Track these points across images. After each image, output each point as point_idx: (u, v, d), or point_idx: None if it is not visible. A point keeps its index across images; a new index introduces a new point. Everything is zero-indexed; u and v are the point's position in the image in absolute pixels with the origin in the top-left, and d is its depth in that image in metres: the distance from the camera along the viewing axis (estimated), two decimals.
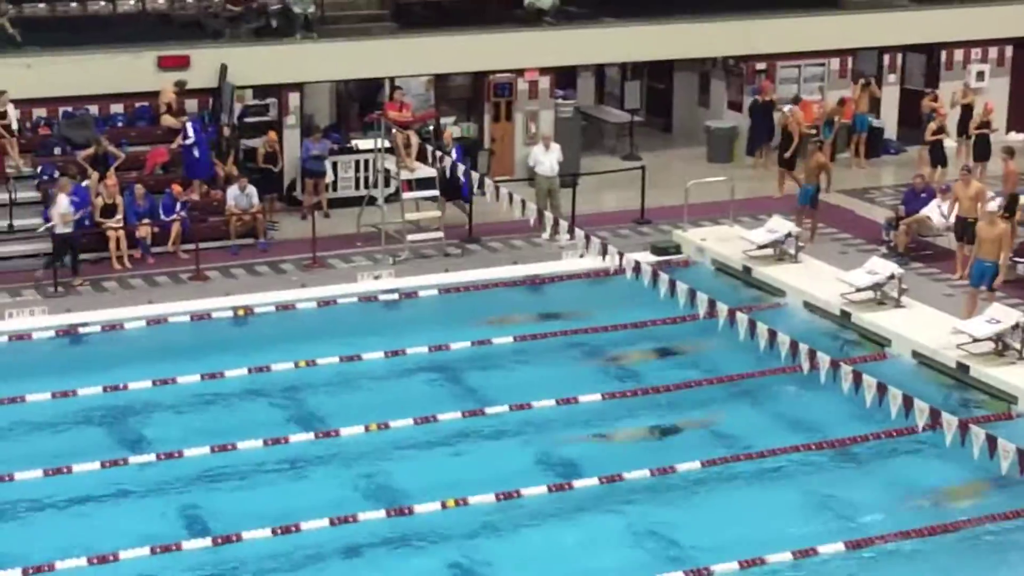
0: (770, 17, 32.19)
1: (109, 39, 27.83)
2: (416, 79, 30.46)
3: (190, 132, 26.59)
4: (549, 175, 27.73)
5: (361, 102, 31.31)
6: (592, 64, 33.84)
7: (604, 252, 22.25)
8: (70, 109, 27.39)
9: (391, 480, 18.43)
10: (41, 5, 28.61)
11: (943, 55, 33.74)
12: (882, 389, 18.34)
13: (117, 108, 27.79)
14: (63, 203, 24.35)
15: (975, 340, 21.21)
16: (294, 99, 28.90)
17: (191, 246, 25.29)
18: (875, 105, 32.72)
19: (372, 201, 27.10)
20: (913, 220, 26.35)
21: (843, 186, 29.45)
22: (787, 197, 28.54)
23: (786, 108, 30.74)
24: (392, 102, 27.75)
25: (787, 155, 29.74)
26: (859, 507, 17.91)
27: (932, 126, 30.44)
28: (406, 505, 17.55)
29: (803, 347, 19.42)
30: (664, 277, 21.45)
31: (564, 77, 32.00)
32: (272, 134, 28.11)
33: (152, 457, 18.68)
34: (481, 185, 24.68)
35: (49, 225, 24.50)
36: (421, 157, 26.84)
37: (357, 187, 28.74)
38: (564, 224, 23.26)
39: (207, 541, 16.77)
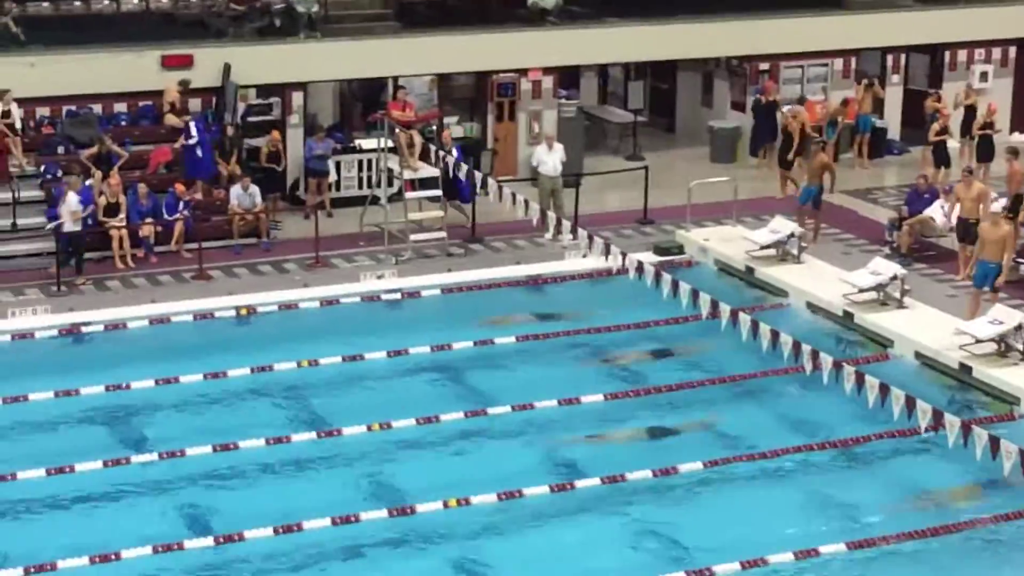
0: (773, 17, 32.18)
1: (113, 38, 27.85)
2: (419, 79, 30.46)
3: (193, 132, 26.60)
4: (552, 175, 27.73)
5: (364, 102, 31.34)
6: (595, 64, 33.84)
7: (607, 252, 22.25)
8: (74, 108, 27.40)
9: (393, 480, 18.44)
10: (45, 4, 28.64)
11: (947, 56, 33.72)
12: (884, 390, 18.34)
13: (121, 107, 27.80)
14: (73, 201, 24.37)
15: (978, 341, 21.21)
16: (297, 98, 28.90)
17: (194, 245, 25.31)
18: (878, 106, 32.70)
19: (375, 201, 27.10)
20: (916, 221, 26.33)
21: (846, 187, 29.44)
22: (790, 198, 28.52)
23: (786, 108, 30.74)
24: (395, 102, 27.75)
25: (787, 156, 29.76)
26: (861, 508, 17.90)
27: (935, 127, 30.44)
28: (408, 505, 17.56)
29: (806, 348, 19.42)
30: (667, 277, 21.45)
31: (567, 77, 32.00)
32: (275, 133, 28.13)
33: (154, 456, 18.70)
34: (484, 185, 24.69)
35: (56, 223, 24.50)
36: (424, 157, 26.85)
37: (360, 187, 28.74)
38: (567, 224, 23.25)
39: (209, 540, 16.79)
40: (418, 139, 27.11)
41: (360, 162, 28.96)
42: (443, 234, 26.45)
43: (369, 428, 19.41)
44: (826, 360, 19.10)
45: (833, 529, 17.42)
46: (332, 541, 16.91)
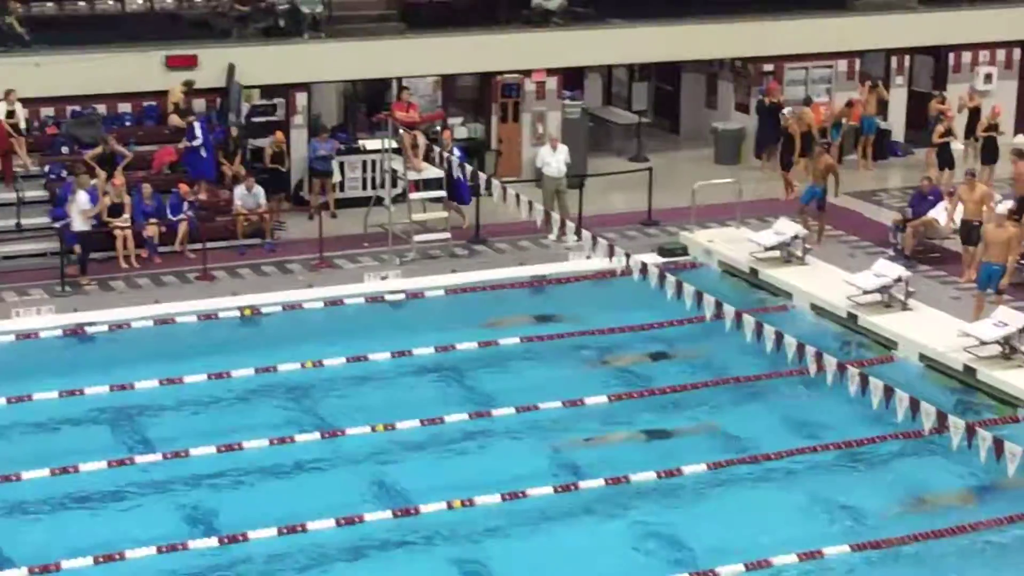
0: (778, 19, 32.18)
1: (117, 38, 27.84)
2: (423, 79, 30.48)
3: (197, 133, 26.61)
4: (556, 176, 27.72)
5: (368, 102, 31.34)
6: (599, 65, 33.83)
7: (611, 253, 22.26)
8: (78, 108, 27.43)
9: (397, 480, 18.44)
10: (49, 4, 28.62)
11: (951, 57, 33.70)
12: (889, 392, 18.33)
13: (125, 107, 27.83)
14: (83, 199, 24.40)
15: (982, 343, 21.19)
16: (301, 99, 28.92)
17: (198, 246, 25.31)
18: (883, 107, 32.69)
19: (379, 201, 27.10)
20: (920, 223, 26.32)
21: (850, 188, 29.42)
22: (794, 199, 28.48)
23: (786, 111, 30.71)
24: (399, 102, 27.76)
25: (790, 158, 29.76)
26: (865, 509, 17.90)
27: (940, 128, 30.41)
28: (412, 505, 17.56)
29: (810, 349, 19.41)
30: (671, 279, 21.45)
31: (571, 78, 32.00)
32: (279, 134, 28.13)
33: (158, 457, 18.69)
34: (488, 186, 24.68)
35: (65, 222, 24.52)
36: (428, 158, 26.86)
37: (364, 187, 28.75)
38: (571, 225, 23.25)
39: (213, 541, 16.79)
40: (422, 140, 27.12)
41: (364, 163, 28.97)
42: (447, 235, 26.45)
43: (373, 429, 19.40)
44: (830, 362, 19.10)
45: (837, 531, 17.43)
46: (336, 542, 16.92)
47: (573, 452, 19.26)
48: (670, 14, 31.53)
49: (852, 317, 22.98)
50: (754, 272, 25.03)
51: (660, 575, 16.35)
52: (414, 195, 26.82)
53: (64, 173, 25.92)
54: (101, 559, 16.24)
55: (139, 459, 18.64)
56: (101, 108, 27.60)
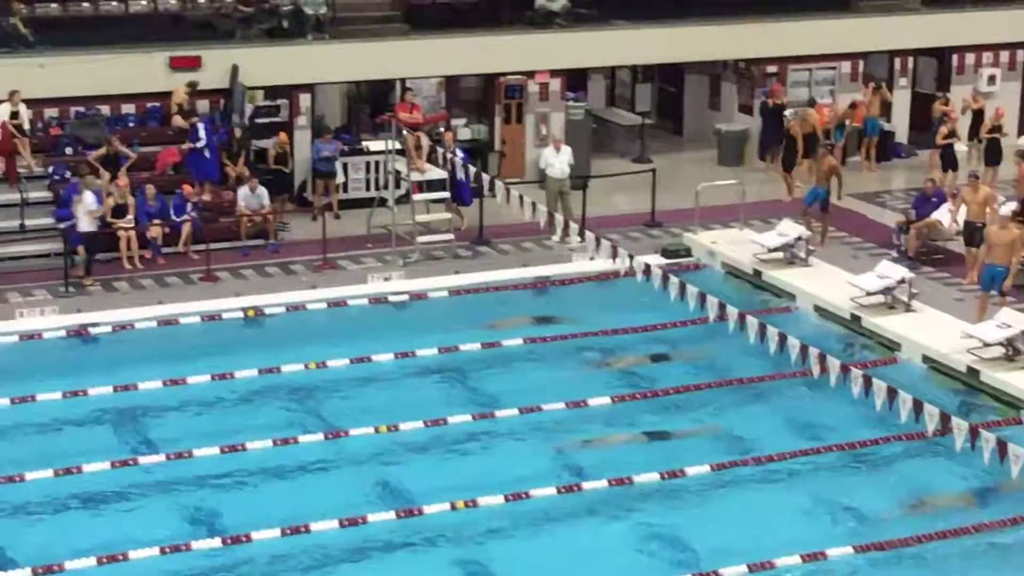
0: (781, 20, 32.17)
1: (121, 39, 27.84)
2: (427, 81, 30.50)
3: (201, 134, 26.61)
4: (560, 177, 27.71)
5: (372, 104, 31.35)
6: (603, 66, 33.84)
7: (614, 255, 22.26)
8: (82, 109, 27.44)
9: (400, 481, 18.45)
10: (53, 5, 28.61)
11: (955, 59, 33.70)
12: (892, 393, 18.33)
13: (128, 108, 27.83)
14: (90, 200, 24.42)
15: (985, 345, 21.19)
16: (305, 100, 28.93)
17: (202, 247, 25.32)
18: (886, 109, 32.69)
19: (383, 202, 27.11)
20: (924, 224, 26.31)
21: (854, 190, 29.40)
22: (797, 201, 28.47)
23: (788, 113, 30.70)
24: (403, 103, 27.78)
25: (793, 160, 29.75)
26: (868, 511, 17.89)
27: (943, 130, 30.40)
28: (415, 506, 17.56)
29: (813, 351, 19.42)
30: (674, 280, 21.45)
31: (575, 79, 32.01)
32: (283, 135, 28.14)
33: (162, 457, 18.71)
34: (492, 187, 24.69)
35: (71, 223, 24.54)
36: (432, 159, 26.87)
37: (368, 188, 28.75)
38: (574, 226, 23.25)
39: (217, 542, 16.79)
40: (425, 141, 27.13)
41: (368, 164, 28.97)
42: (451, 236, 26.46)
43: (376, 430, 19.40)
44: (833, 363, 19.10)
45: (840, 532, 17.42)
46: (339, 543, 16.93)
47: (576, 453, 19.27)
48: (673, 15, 31.52)
49: (855, 318, 22.98)
50: (757, 273, 25.03)
51: None
52: (417, 196, 26.83)
53: (68, 174, 25.93)
54: (105, 560, 16.24)
55: (143, 460, 18.66)
56: (105, 109, 27.62)
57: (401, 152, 27.00)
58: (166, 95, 27.64)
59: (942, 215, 26.30)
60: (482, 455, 19.23)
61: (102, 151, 26.22)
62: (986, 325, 21.59)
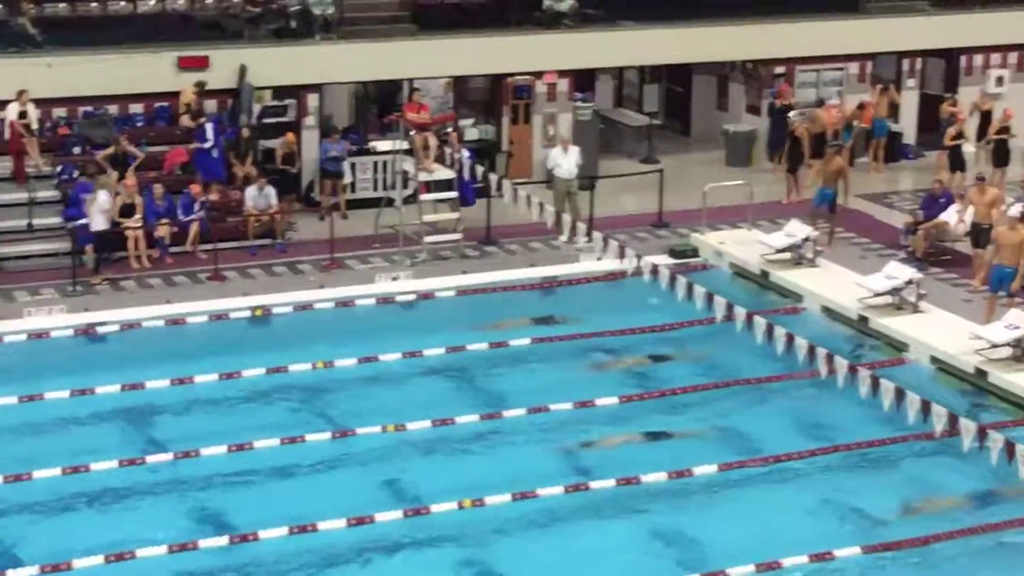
0: (789, 21, 32.15)
1: (129, 39, 27.87)
2: (435, 81, 30.49)
3: (209, 135, 26.63)
4: (567, 178, 27.71)
5: (380, 104, 31.37)
6: (611, 67, 33.83)
7: (622, 255, 22.25)
8: (90, 109, 27.46)
9: (407, 480, 18.45)
10: (61, 5, 28.64)
11: (963, 60, 33.66)
12: (900, 394, 18.32)
13: (137, 108, 27.85)
14: (104, 199, 24.44)
15: (994, 346, 21.17)
16: (313, 100, 28.93)
17: (209, 246, 25.35)
18: (894, 110, 32.66)
19: (390, 202, 27.11)
20: (932, 225, 26.29)
21: (862, 191, 29.40)
22: (802, 202, 28.42)
23: (792, 114, 30.66)
24: (411, 104, 27.78)
25: (798, 162, 29.74)
26: (876, 511, 17.87)
27: (951, 131, 30.37)
28: (422, 505, 17.57)
29: (821, 351, 19.40)
30: (681, 280, 21.44)
31: (582, 80, 31.98)
32: (290, 135, 28.16)
33: (169, 456, 18.73)
34: (499, 187, 24.69)
35: (83, 221, 24.56)
36: (439, 159, 26.87)
37: (375, 188, 28.76)
38: (582, 227, 23.24)
39: (224, 540, 16.81)
40: (433, 141, 27.14)
41: (375, 164, 28.98)
42: (458, 236, 26.46)
43: (383, 429, 19.42)
44: (841, 364, 19.09)
45: (848, 532, 17.41)
46: (346, 542, 16.93)
47: (583, 453, 19.27)
48: (681, 16, 31.50)
49: (863, 319, 22.96)
50: (765, 274, 25.02)
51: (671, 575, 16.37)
52: (425, 196, 26.83)
53: (76, 174, 25.94)
54: (112, 558, 16.27)
55: (150, 459, 18.67)
56: (113, 109, 27.62)
57: (409, 152, 27.01)
58: (174, 95, 27.66)
59: (950, 216, 26.28)
60: (489, 455, 19.23)
61: (110, 151, 26.26)
62: (994, 326, 21.57)
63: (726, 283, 24.74)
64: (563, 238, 24.18)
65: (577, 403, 20.19)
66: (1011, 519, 17.61)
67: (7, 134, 26.16)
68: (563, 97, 30.75)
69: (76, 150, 26.73)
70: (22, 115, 26.16)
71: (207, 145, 26.67)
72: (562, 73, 30.66)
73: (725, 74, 33.50)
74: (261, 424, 19.63)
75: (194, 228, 25.77)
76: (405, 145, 26.96)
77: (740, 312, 20.60)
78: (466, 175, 26.24)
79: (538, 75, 30.49)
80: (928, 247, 26.11)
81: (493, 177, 25.39)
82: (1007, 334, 21.15)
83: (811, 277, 24.55)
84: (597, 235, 22.66)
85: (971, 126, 31.42)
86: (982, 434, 17.57)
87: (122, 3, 28.98)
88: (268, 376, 21.06)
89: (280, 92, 28.90)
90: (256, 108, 28.33)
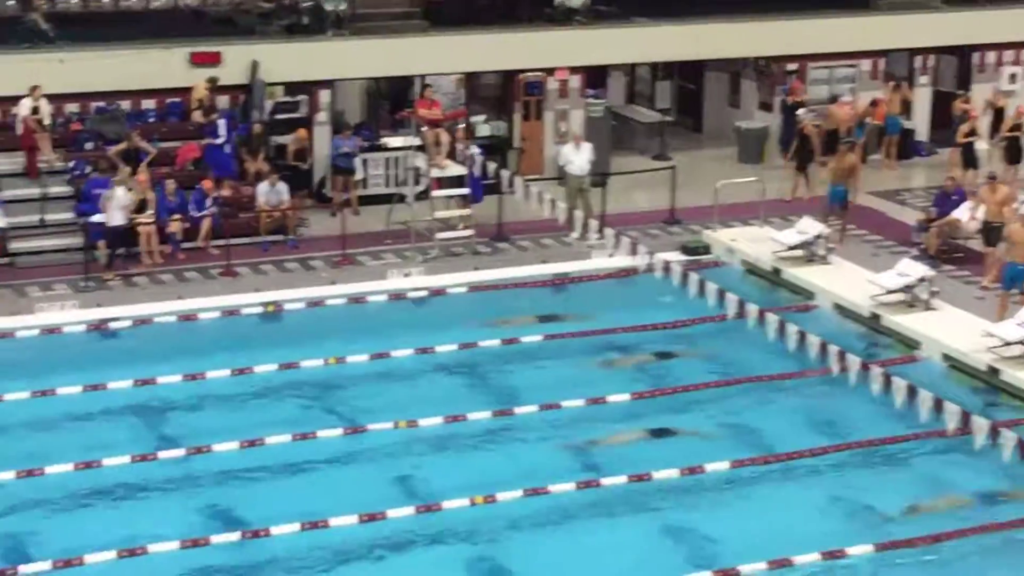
0: (801, 18, 32.10)
1: (141, 35, 27.90)
2: (447, 77, 30.49)
3: (221, 131, 26.66)
4: (579, 174, 27.69)
5: (392, 100, 31.38)
6: (623, 64, 33.81)
7: (634, 251, 22.26)
8: (102, 104, 27.49)
9: (419, 476, 18.46)
10: (74, 0, 28.69)
11: (975, 57, 33.60)
12: (912, 391, 18.30)
13: (149, 104, 27.88)
14: (121, 195, 24.48)
15: (1006, 343, 21.12)
16: (325, 96, 28.94)
17: (221, 242, 25.37)
18: (907, 107, 32.61)
19: (402, 199, 27.12)
20: (944, 222, 26.24)
21: (874, 188, 29.36)
22: (813, 199, 28.36)
23: (801, 111, 30.60)
24: (423, 100, 27.78)
25: (807, 159, 29.72)
26: (888, 509, 17.85)
27: (964, 128, 30.33)
28: (434, 502, 17.57)
29: (833, 349, 19.39)
30: (693, 277, 21.44)
31: (594, 76, 31.96)
32: (302, 131, 28.18)
33: (181, 452, 18.76)
34: (511, 184, 24.68)
35: (99, 217, 24.60)
36: (451, 155, 26.88)
37: (387, 185, 28.77)
38: (594, 223, 23.24)
39: (235, 536, 16.83)
40: (445, 137, 27.13)
41: (387, 160, 28.99)
42: (470, 232, 26.46)
43: (395, 425, 19.44)
44: (853, 361, 19.07)
45: (859, 530, 17.38)
46: (358, 538, 16.94)
47: (594, 449, 19.26)
48: (693, 13, 31.47)
49: (875, 317, 22.92)
50: (777, 271, 24.99)
51: (682, 573, 16.31)
52: (437, 192, 26.83)
53: (88, 169, 25.97)
54: (124, 553, 16.29)
55: (162, 454, 18.69)
56: (125, 104, 27.64)
57: (421, 148, 27.01)
58: (186, 91, 27.68)
59: (962, 213, 26.23)
60: (501, 451, 19.23)
61: (122, 146, 26.29)
62: (1007, 324, 21.53)
63: (738, 280, 24.71)
64: (575, 235, 24.19)
65: (589, 400, 20.19)
66: (1023, 517, 17.57)
67: (20, 130, 26.20)
68: (575, 94, 30.74)
69: (88, 146, 26.78)
70: (35, 111, 26.20)
71: (219, 141, 26.70)
72: (574, 70, 30.65)
73: (737, 71, 33.48)
74: (273, 420, 19.65)
75: (206, 224, 25.80)
76: (417, 141, 26.96)
77: (752, 309, 20.59)
78: (476, 171, 26.21)
79: (550, 71, 30.48)
80: (940, 244, 26.07)
81: (505, 173, 25.37)
82: (1020, 331, 21.11)
83: (823, 274, 24.52)
84: (609, 232, 22.68)
85: (984, 123, 31.38)
86: (994, 432, 17.57)
87: None
88: (280, 372, 21.06)
89: (292, 88, 28.92)
90: (268, 104, 28.34)
